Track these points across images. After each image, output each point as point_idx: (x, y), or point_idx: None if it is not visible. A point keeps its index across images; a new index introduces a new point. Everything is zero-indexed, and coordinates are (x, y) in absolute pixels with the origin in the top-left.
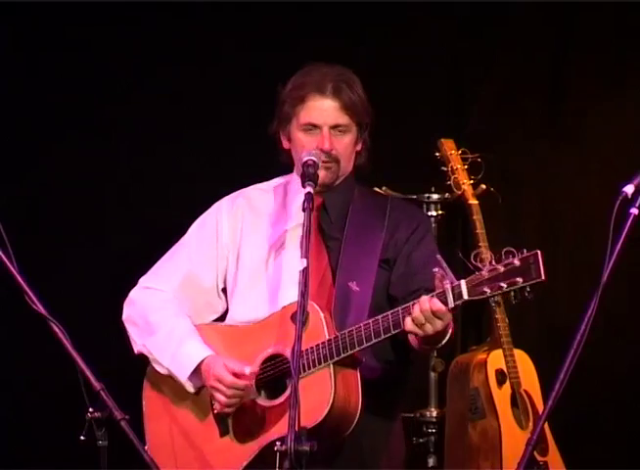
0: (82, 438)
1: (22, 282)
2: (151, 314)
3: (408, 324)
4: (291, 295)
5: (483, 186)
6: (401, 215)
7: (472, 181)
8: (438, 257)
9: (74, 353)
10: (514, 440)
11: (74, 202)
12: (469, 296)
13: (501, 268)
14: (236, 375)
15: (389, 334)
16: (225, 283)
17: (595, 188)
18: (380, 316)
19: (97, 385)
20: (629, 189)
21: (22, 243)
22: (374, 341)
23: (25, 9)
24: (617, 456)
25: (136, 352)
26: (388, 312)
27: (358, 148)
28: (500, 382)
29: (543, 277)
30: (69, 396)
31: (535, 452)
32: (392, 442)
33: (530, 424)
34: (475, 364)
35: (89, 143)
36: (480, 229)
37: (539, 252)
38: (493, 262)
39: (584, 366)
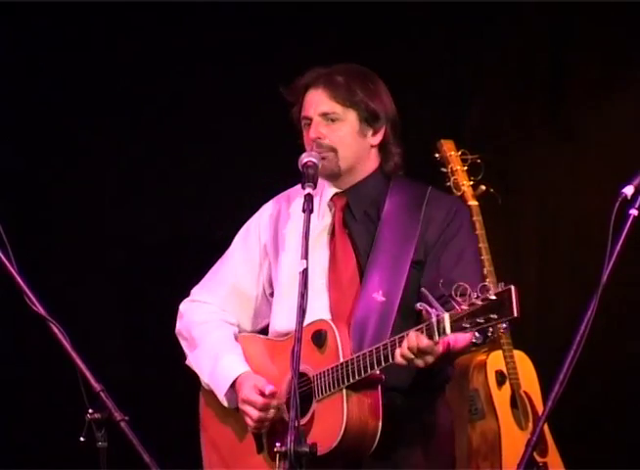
0: (82, 439)
1: (21, 283)
2: (194, 328)
3: (398, 358)
4: (320, 303)
5: (483, 187)
6: (436, 210)
7: (471, 182)
8: (423, 289)
9: (74, 354)
10: (513, 441)
11: (75, 202)
12: (451, 330)
13: (479, 303)
14: (263, 394)
15: (382, 366)
16: (272, 288)
17: (595, 189)
18: (374, 347)
19: (96, 386)
20: (629, 190)
21: (22, 243)
22: (370, 372)
23: (25, 9)
24: (617, 456)
25: (187, 364)
26: (380, 344)
27: (374, 141)
28: (500, 383)
29: (516, 314)
30: (69, 396)
31: (535, 453)
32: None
33: (530, 425)
34: (474, 365)
35: (90, 143)
36: (479, 230)
37: (513, 287)
38: (473, 296)
39: (584, 367)
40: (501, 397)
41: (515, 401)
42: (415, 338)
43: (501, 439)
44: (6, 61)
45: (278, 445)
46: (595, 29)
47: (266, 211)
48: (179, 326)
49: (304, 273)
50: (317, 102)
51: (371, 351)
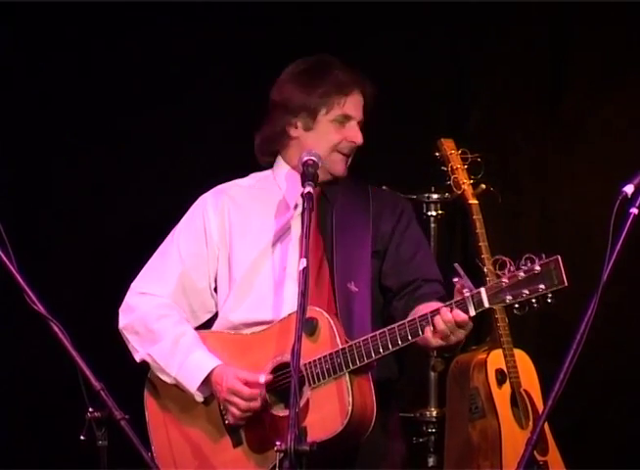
0: (82, 438)
1: (21, 282)
2: (152, 322)
3: (431, 337)
4: (290, 293)
5: (483, 186)
6: (383, 204)
7: (472, 181)
8: (456, 265)
9: (74, 353)
10: (514, 439)
11: (75, 202)
12: (489, 304)
13: (521, 275)
14: (249, 384)
15: (407, 343)
16: (216, 283)
17: (595, 188)
18: (396, 325)
19: (97, 385)
20: (629, 189)
21: (22, 243)
22: (391, 350)
23: (25, 9)
24: (617, 456)
25: (138, 360)
26: (405, 321)
27: None
28: (500, 382)
29: (566, 283)
30: (69, 396)
31: (535, 452)
32: (391, 440)
33: (530, 424)
34: (475, 364)
35: (89, 144)
36: (479, 229)
37: (559, 257)
38: (512, 269)
39: (584, 366)
40: (501, 395)
41: (515, 400)
42: (450, 313)
43: (501, 437)
44: (6, 61)
45: (278, 443)
46: (595, 29)
47: (209, 205)
48: (129, 320)
49: (304, 272)
50: (359, 108)
51: (392, 328)
